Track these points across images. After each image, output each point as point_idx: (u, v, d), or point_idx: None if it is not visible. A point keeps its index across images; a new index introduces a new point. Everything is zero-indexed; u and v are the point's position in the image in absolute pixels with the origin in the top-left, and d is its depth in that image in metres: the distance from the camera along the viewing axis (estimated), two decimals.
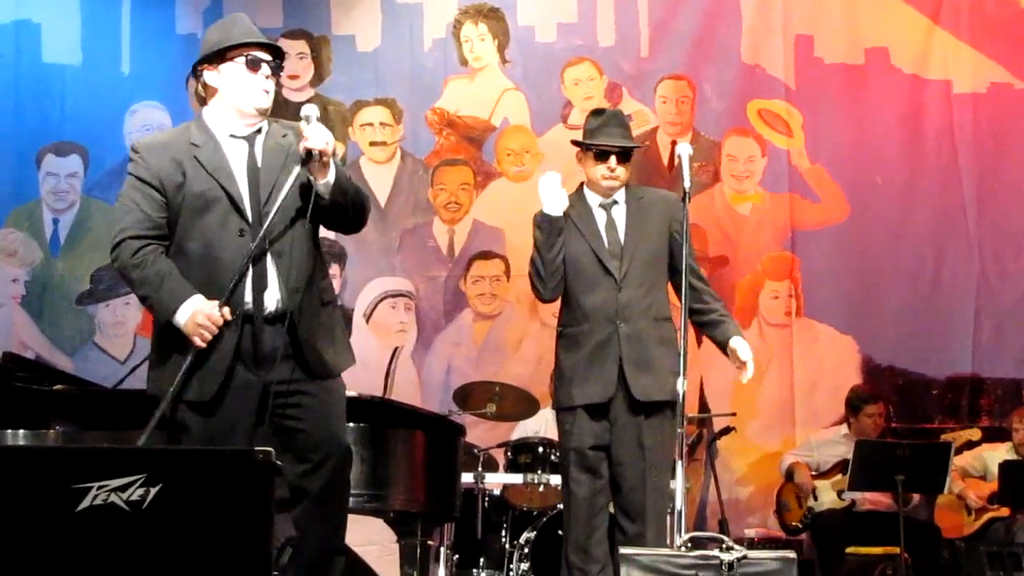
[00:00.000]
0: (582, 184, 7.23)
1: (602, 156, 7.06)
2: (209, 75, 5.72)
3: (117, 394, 8.72)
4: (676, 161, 7.49)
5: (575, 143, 7.24)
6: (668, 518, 7.23)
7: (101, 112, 11.36)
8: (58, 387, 8.28)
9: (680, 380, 6.75)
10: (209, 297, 5.53)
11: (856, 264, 11.53)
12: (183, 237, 5.67)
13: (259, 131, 5.72)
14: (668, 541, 7.10)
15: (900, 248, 11.50)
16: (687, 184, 6.99)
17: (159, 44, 11.48)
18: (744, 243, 11.60)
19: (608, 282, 7.02)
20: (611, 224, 7.12)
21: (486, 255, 11.48)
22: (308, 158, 5.51)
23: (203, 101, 5.78)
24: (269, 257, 5.63)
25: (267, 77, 5.67)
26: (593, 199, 7.16)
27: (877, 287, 11.50)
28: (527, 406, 10.08)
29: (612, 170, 7.05)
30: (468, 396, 10.01)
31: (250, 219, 5.61)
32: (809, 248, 11.56)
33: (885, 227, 11.53)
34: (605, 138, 7.09)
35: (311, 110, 5.61)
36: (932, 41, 11.63)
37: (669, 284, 7.22)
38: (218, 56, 5.70)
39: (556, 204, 6.96)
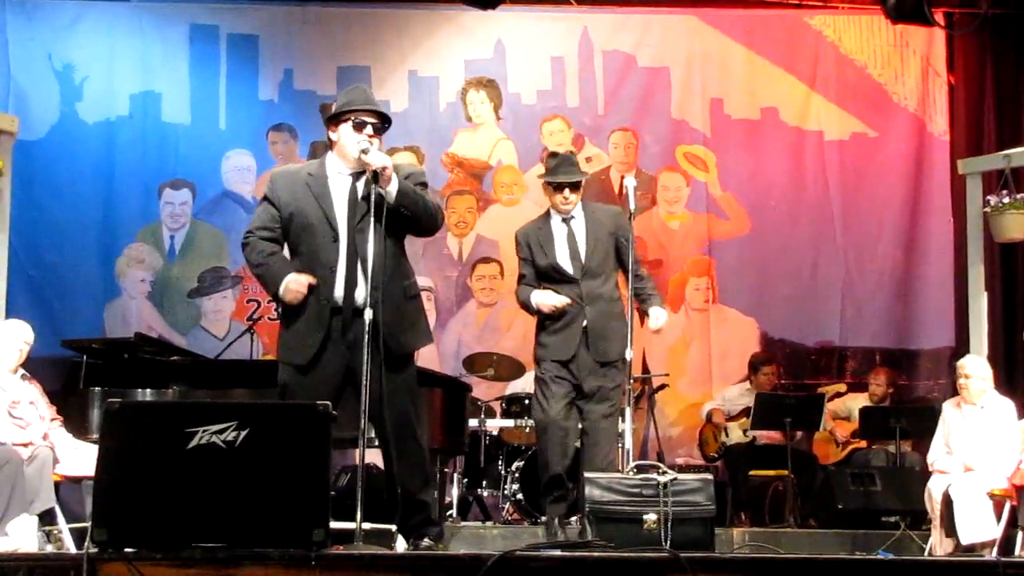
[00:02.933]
0: (548, 210, 7.40)
1: (559, 188, 7.21)
2: (331, 131, 5.80)
3: (218, 363, 8.73)
4: (624, 191, 7.44)
5: (540, 177, 7.42)
6: (619, 451, 7.24)
7: (204, 157, 11.30)
8: (175, 358, 8.29)
9: (628, 350, 6.85)
10: (320, 282, 5.65)
11: (756, 265, 11.51)
12: (295, 242, 5.78)
13: (363, 172, 5.69)
14: (620, 468, 7.09)
15: (788, 253, 11.48)
16: (632, 207, 7.21)
17: (246, 107, 11.42)
18: (674, 250, 11.58)
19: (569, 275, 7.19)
20: (571, 234, 7.23)
21: (486, 260, 11.45)
22: (375, 178, 5.52)
23: (331, 146, 5.82)
24: (358, 262, 5.65)
25: (369, 136, 5.69)
26: (556, 217, 7.29)
27: (771, 281, 11.48)
28: (516, 370, 10.09)
29: (567, 199, 7.20)
30: (473, 363, 10.01)
31: (340, 232, 5.67)
32: (722, 253, 11.54)
33: (777, 238, 11.51)
34: (562, 176, 7.24)
35: (364, 143, 5.64)
36: (810, 102, 11.60)
37: (620, 275, 7.31)
38: (336, 117, 5.76)
39: (544, 305, 7.15)
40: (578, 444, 7.33)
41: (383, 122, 5.80)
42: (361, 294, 5.63)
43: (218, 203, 11.34)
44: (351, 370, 5.60)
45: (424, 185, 5.92)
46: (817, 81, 11.62)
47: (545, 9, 11.59)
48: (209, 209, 11.32)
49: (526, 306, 7.31)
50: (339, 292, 5.65)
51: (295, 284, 5.65)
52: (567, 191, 7.21)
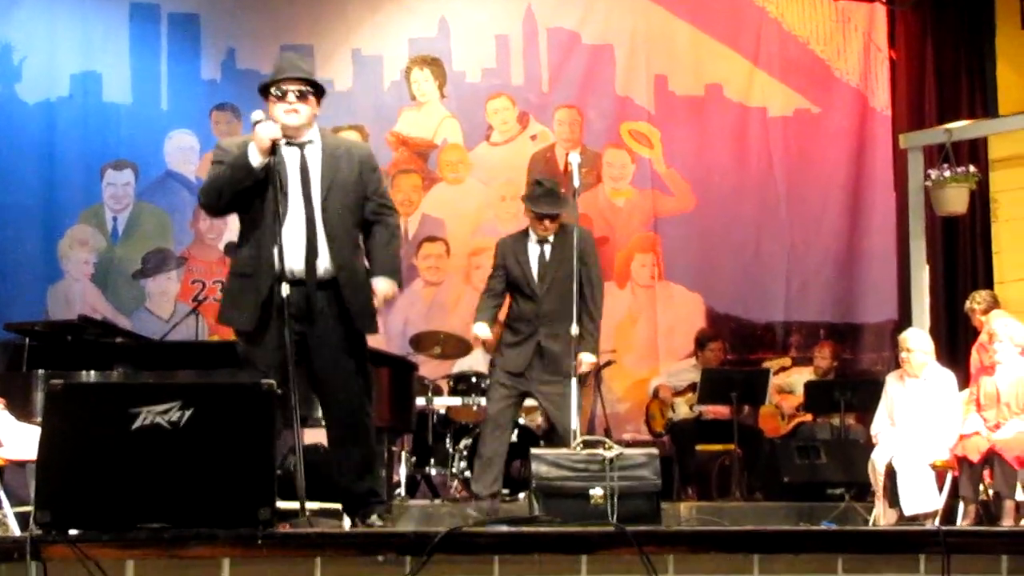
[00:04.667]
0: (527, 227, 7.72)
1: (539, 217, 7.55)
2: (267, 106, 5.67)
3: (163, 344, 8.68)
4: (568, 167, 7.55)
5: (523, 200, 7.76)
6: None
7: (146, 138, 11.22)
8: (119, 340, 8.23)
9: (574, 327, 7.17)
10: (264, 254, 5.50)
11: (701, 241, 11.57)
12: (245, 208, 5.61)
13: (310, 140, 5.64)
14: (568, 444, 7.14)
15: (732, 229, 11.55)
16: (576, 183, 7.46)
17: (189, 87, 11.34)
18: (620, 227, 11.62)
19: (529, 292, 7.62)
20: (542, 255, 7.64)
21: (431, 239, 11.44)
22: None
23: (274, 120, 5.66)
24: (321, 236, 5.57)
25: (292, 102, 5.57)
26: (533, 236, 7.66)
27: (716, 257, 11.55)
28: (463, 348, 10.10)
29: (546, 227, 7.58)
30: (420, 342, 10.01)
31: (291, 202, 5.53)
32: (667, 229, 11.60)
33: (721, 214, 11.57)
34: (543, 208, 7.55)
35: (258, 115, 5.52)
36: (753, 78, 11.67)
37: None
38: (264, 93, 5.69)
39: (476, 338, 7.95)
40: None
41: (310, 85, 5.66)
42: (324, 266, 5.59)
43: (161, 183, 11.25)
44: (303, 344, 5.55)
45: (375, 169, 5.89)
46: (760, 57, 11.68)
47: None
48: (152, 190, 11.24)
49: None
50: (291, 264, 5.52)
51: (263, 129, 5.44)
52: (547, 221, 7.56)
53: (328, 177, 5.62)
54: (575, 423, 7.10)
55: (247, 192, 5.55)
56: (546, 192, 7.64)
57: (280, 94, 5.60)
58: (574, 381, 7.19)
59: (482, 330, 7.76)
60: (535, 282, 7.59)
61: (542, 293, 7.57)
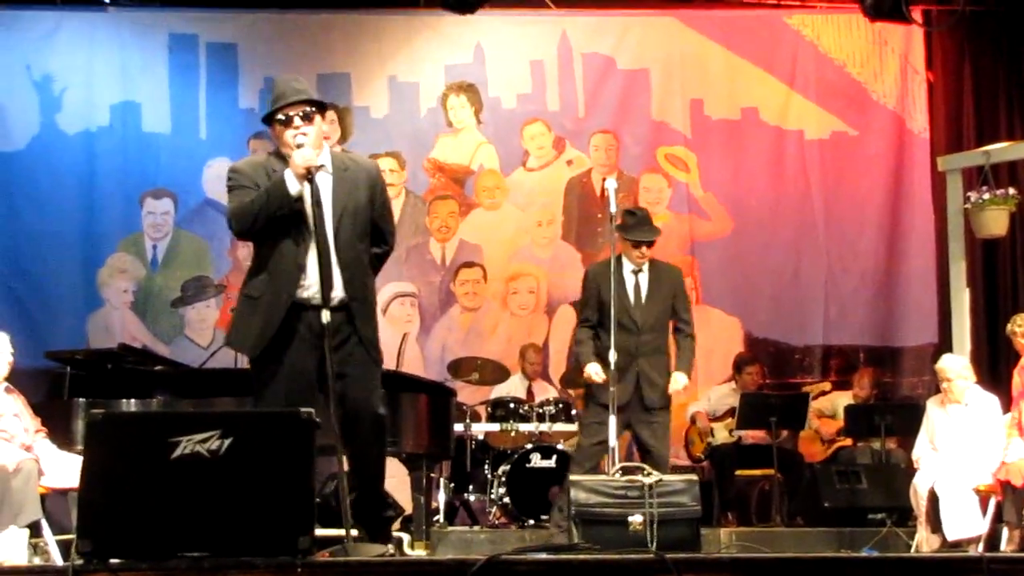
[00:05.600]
0: (620, 254, 7.73)
1: (636, 244, 7.66)
2: (273, 135, 5.65)
3: (202, 372, 8.71)
4: (605, 193, 7.61)
5: (617, 231, 7.77)
6: (606, 455, 7.35)
7: (186, 166, 11.29)
8: (158, 368, 8.27)
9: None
10: (277, 281, 5.45)
11: (739, 265, 11.52)
12: (260, 235, 5.53)
13: (321, 165, 5.54)
14: (606, 470, 7.13)
15: (770, 253, 11.50)
16: (612, 210, 7.61)
17: (227, 116, 11.40)
18: (657, 251, 11.39)
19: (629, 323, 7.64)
20: (638, 286, 7.72)
21: (469, 264, 11.45)
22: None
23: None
24: (335, 263, 5.50)
25: (298, 126, 5.49)
26: (628, 266, 7.74)
27: (754, 281, 11.49)
28: (501, 374, 10.12)
29: (643, 255, 7.70)
30: (458, 368, 10.01)
31: (310, 227, 5.44)
32: (704, 253, 11.56)
33: (759, 238, 11.53)
34: (639, 235, 7.69)
35: (298, 139, 5.47)
36: (789, 101, 11.63)
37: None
38: (268, 121, 5.63)
39: (592, 378, 7.62)
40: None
41: (312, 105, 5.58)
42: (338, 294, 5.54)
43: (200, 212, 11.32)
44: (323, 371, 5.46)
45: (383, 188, 5.85)
46: (796, 80, 11.65)
47: (523, 13, 11.57)
48: (191, 218, 11.31)
49: (578, 358, 7.88)
50: (305, 292, 5.48)
51: (300, 157, 5.38)
52: (643, 247, 7.69)
53: (340, 203, 5.55)
54: (613, 444, 7.18)
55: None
56: (639, 220, 7.79)
57: (285, 119, 5.52)
58: (612, 415, 7.23)
59: (598, 371, 7.58)
60: (636, 313, 7.66)
61: (642, 324, 7.65)
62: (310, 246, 5.46)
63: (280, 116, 5.54)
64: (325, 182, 5.56)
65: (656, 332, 7.70)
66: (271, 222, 5.46)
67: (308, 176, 5.39)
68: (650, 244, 7.72)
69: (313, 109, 5.56)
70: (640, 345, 7.62)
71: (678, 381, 7.62)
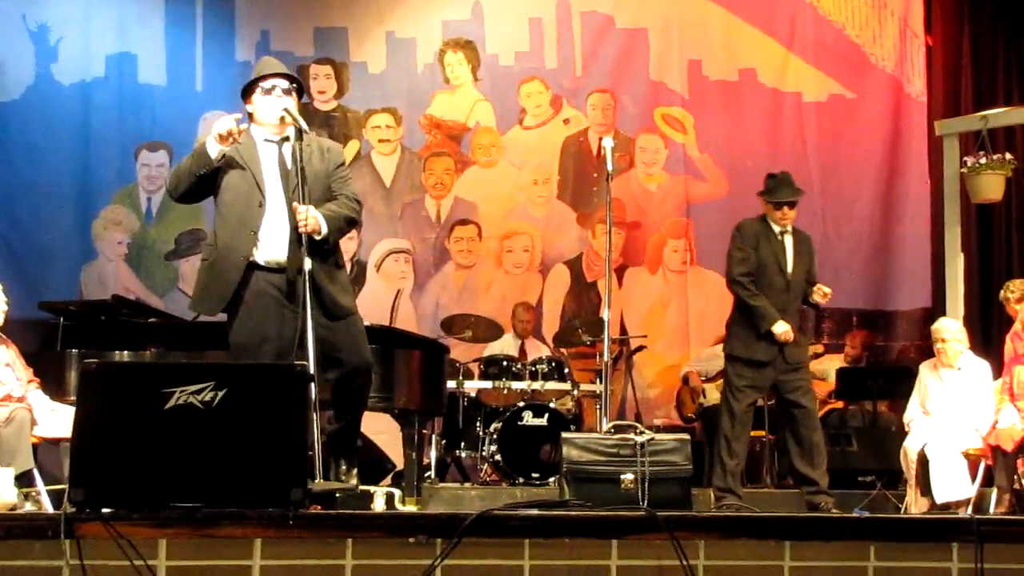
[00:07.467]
0: (764, 215, 7.86)
1: (779, 206, 7.75)
2: (247, 105, 5.92)
3: (195, 324, 8.69)
4: (602, 152, 7.58)
5: (760, 195, 7.91)
6: (597, 411, 7.38)
7: (181, 119, 11.23)
8: (152, 320, 8.26)
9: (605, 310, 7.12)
10: (240, 242, 5.67)
11: (733, 227, 11.49)
12: (221, 199, 5.79)
13: (287, 137, 5.79)
14: (598, 428, 7.14)
15: None
16: (609, 167, 7.52)
17: (223, 68, 11.35)
18: (652, 212, 11.59)
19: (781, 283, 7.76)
20: (784, 249, 7.78)
21: (464, 222, 11.45)
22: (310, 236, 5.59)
23: (251, 118, 5.90)
24: (289, 226, 5.68)
25: (279, 97, 5.81)
26: (776, 227, 7.80)
27: None
28: (494, 332, 10.11)
29: (785, 215, 7.77)
30: (451, 325, 10.01)
31: (266, 197, 5.69)
32: (699, 215, 11.55)
33: (754, 200, 11.37)
34: (781, 195, 7.77)
35: (283, 104, 5.78)
36: (788, 63, 11.60)
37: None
38: (249, 90, 5.91)
39: (779, 336, 7.63)
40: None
41: (291, 83, 5.90)
42: (295, 256, 5.65)
43: None
44: (294, 332, 5.59)
45: (343, 165, 6.03)
46: (795, 42, 11.61)
47: None
48: None
49: (753, 313, 7.73)
50: (273, 254, 5.67)
51: (221, 124, 5.64)
52: (786, 208, 7.76)
53: (297, 170, 5.72)
54: (605, 402, 7.22)
55: (210, 182, 5.74)
56: (780, 182, 7.84)
57: (268, 87, 5.83)
58: (605, 373, 7.31)
59: (788, 331, 7.61)
60: (789, 273, 7.75)
61: (794, 284, 7.76)
62: (265, 210, 5.70)
63: (264, 84, 5.85)
64: (286, 151, 5.80)
65: (799, 293, 7.80)
66: (216, 186, 5.75)
67: (227, 140, 5.63)
68: (792, 205, 7.76)
69: (293, 86, 5.91)
70: (788, 304, 7.72)
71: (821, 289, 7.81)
